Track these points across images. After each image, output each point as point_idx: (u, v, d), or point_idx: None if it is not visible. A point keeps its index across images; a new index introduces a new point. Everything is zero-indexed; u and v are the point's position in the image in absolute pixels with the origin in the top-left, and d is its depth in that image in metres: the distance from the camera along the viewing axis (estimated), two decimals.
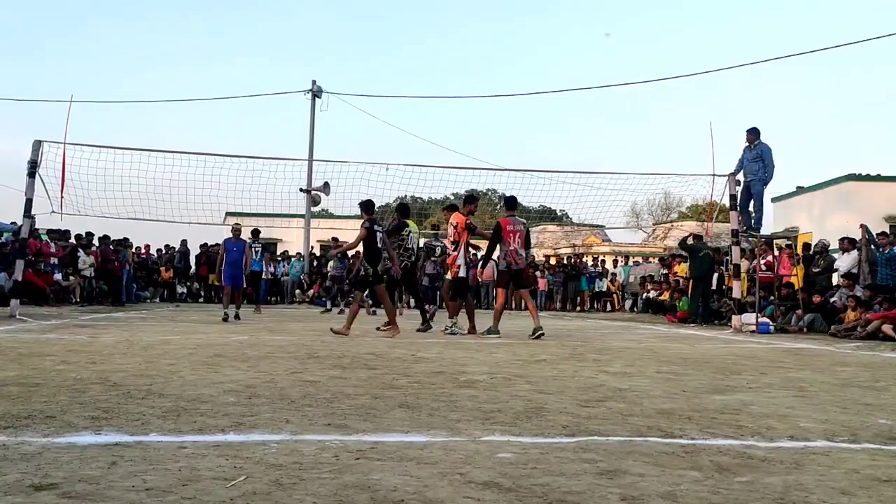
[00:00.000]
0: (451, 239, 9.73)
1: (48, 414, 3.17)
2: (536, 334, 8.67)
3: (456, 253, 9.60)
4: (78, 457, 2.42)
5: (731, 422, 3.41)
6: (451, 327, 9.47)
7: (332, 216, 28.26)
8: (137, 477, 2.19)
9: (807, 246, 14.75)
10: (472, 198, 10.37)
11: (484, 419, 3.33)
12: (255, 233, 15.55)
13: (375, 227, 8.95)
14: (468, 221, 9.62)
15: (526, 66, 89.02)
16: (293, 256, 23.37)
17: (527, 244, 9.48)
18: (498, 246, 9.34)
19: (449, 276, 9.97)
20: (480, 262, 10.15)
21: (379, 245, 8.99)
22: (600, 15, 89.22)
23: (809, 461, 2.66)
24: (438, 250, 15.91)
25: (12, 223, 13.42)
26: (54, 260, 15.94)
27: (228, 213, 21.25)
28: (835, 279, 13.07)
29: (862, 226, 12.17)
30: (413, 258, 10.21)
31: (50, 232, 16.64)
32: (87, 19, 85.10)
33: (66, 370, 4.77)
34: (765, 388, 4.69)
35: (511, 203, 9.87)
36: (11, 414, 3.15)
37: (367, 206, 9.24)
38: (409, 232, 10.09)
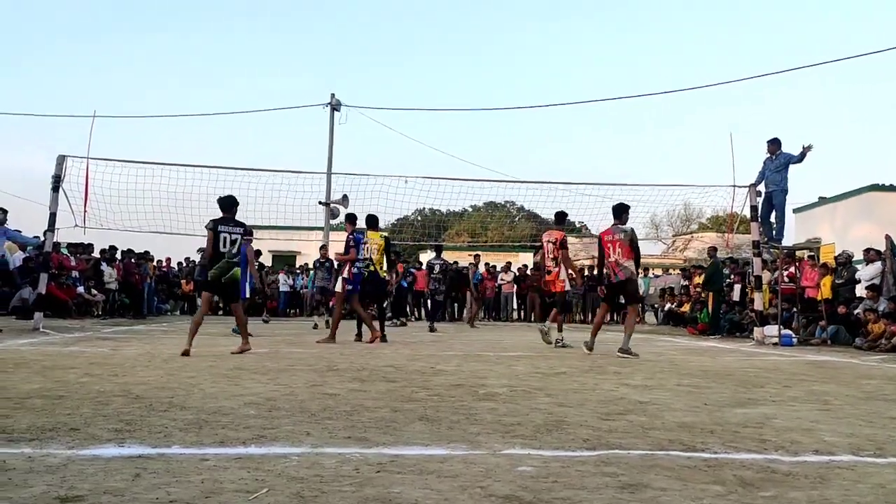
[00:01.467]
0: (551, 255, 9.96)
1: (72, 426, 3.21)
2: (624, 355, 8.17)
3: (557, 269, 9.90)
4: (102, 469, 2.45)
5: (755, 435, 3.37)
6: (561, 341, 9.80)
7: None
8: (161, 489, 2.21)
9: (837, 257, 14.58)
10: (563, 214, 10.52)
11: (504, 432, 3.32)
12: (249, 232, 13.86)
13: (220, 227, 7.77)
14: (564, 236, 9.94)
15: (544, 75, 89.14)
16: (312, 269, 23.47)
17: (637, 251, 8.73)
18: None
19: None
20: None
21: (223, 249, 7.74)
22: (618, 24, 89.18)
23: (834, 476, 2.62)
24: (437, 268, 16.16)
25: (35, 237, 13.66)
26: (76, 273, 16.17)
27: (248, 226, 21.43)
28: (858, 290, 12.88)
29: (886, 237, 12.00)
30: (370, 267, 10.19)
31: (70, 246, 16.89)
32: (108, 34, 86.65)
33: (90, 382, 4.83)
34: (788, 402, 4.62)
35: (617, 211, 8.92)
36: (36, 426, 3.20)
37: (222, 203, 8.03)
38: (366, 242, 10.29)
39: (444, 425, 3.47)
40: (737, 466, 2.72)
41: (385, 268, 10.42)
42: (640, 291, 23.14)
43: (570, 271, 10.10)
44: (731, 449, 3.05)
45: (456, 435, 3.24)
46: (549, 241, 10.05)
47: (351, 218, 10.86)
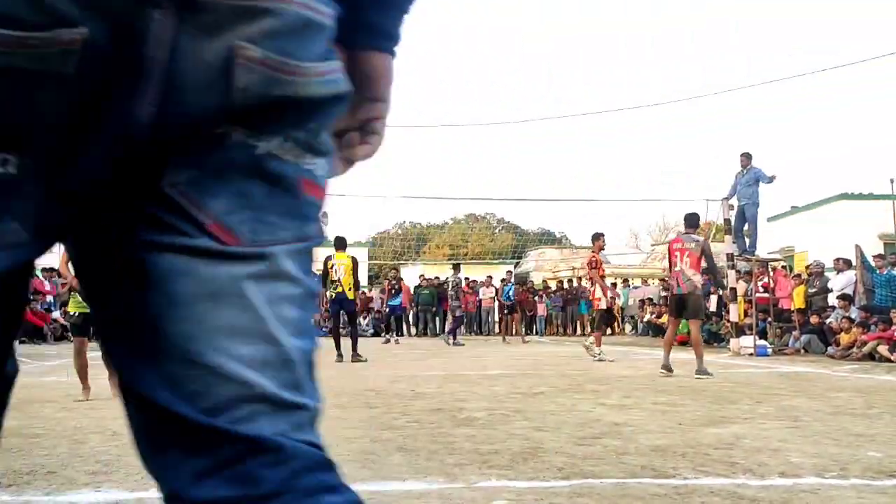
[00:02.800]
0: (588, 276, 10.86)
1: (49, 469, 3.22)
2: (701, 376, 7.70)
3: (594, 288, 10.69)
4: None
5: (724, 458, 3.46)
6: (600, 355, 10.29)
7: (331, 245, 28.34)
8: None
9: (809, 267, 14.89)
10: (598, 235, 10.91)
11: (481, 462, 3.37)
12: None
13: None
14: (593, 257, 10.71)
15: (522, 89, 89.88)
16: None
17: (709, 263, 8.37)
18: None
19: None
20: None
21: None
22: (604, 38, 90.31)
23: (798, 500, 2.70)
24: (452, 285, 16.47)
25: None
26: (49, 297, 15.99)
27: None
28: (830, 299, 13.16)
29: (856, 247, 12.28)
30: (338, 288, 10.40)
31: (44, 270, 16.68)
32: None
33: (66, 418, 4.81)
34: (759, 419, 4.73)
35: (691, 220, 8.61)
36: (13, 469, 3.20)
37: None
38: (333, 264, 10.50)
39: (423, 456, 3.52)
40: (705, 493, 2.80)
41: (352, 288, 10.53)
42: (619, 302, 23.54)
43: (604, 288, 10.69)
44: (700, 474, 3.13)
45: (433, 467, 3.28)
46: (586, 263, 11.05)
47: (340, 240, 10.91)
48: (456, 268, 17.12)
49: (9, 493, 2.79)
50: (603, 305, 10.71)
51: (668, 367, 8.03)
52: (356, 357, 10.24)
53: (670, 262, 8.37)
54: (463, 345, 15.44)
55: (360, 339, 11.05)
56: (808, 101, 79.31)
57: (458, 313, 16.98)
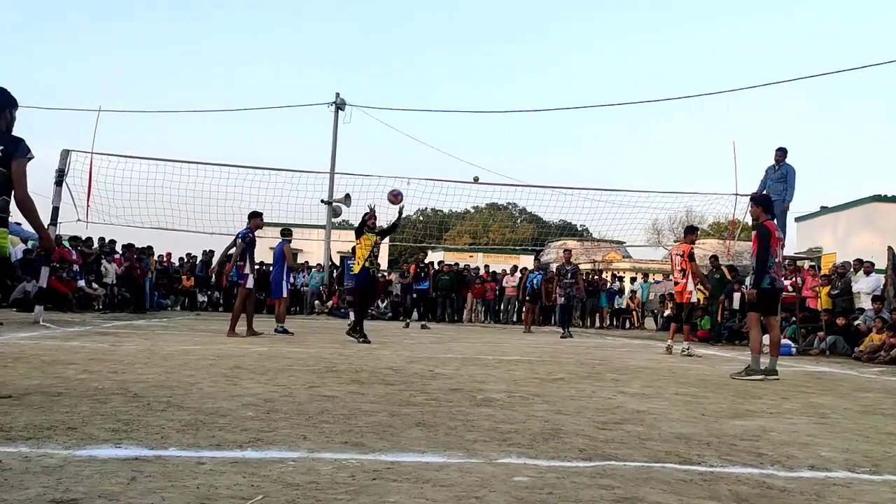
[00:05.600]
0: (679, 267, 10.35)
1: (70, 425, 3.22)
2: (769, 377, 7.01)
3: (685, 280, 10.22)
4: (98, 471, 2.46)
5: (751, 449, 3.37)
6: (688, 349, 10.05)
7: (352, 228, 28.44)
8: (157, 494, 2.21)
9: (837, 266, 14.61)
10: (693, 228, 10.95)
11: (500, 440, 3.32)
12: None
13: None
14: (692, 250, 10.35)
15: (551, 80, 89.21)
16: (313, 267, 23.50)
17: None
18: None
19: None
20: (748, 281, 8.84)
21: None
22: (625, 29, 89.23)
23: (830, 493, 2.62)
24: (569, 274, 15.56)
25: None
26: (76, 267, 16.18)
27: None
28: (856, 301, 12.89)
29: (889, 248, 12.00)
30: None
31: (71, 239, 16.93)
32: (114, 30, 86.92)
33: (88, 379, 4.84)
34: (785, 414, 4.62)
35: (770, 205, 7.61)
36: (34, 424, 3.20)
37: None
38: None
39: (442, 431, 3.47)
40: (732, 481, 2.72)
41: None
42: (640, 296, 23.40)
43: (697, 283, 10.31)
44: (727, 462, 3.05)
45: (453, 442, 3.24)
46: (677, 254, 10.49)
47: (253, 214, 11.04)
48: (566, 253, 16.57)
49: (28, 446, 2.79)
50: (694, 299, 10.26)
51: (774, 372, 7.16)
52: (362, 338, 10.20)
53: (772, 251, 7.08)
54: (572, 336, 14.62)
55: (378, 322, 11.05)
56: (846, 100, 77.70)
57: (561, 302, 15.84)
